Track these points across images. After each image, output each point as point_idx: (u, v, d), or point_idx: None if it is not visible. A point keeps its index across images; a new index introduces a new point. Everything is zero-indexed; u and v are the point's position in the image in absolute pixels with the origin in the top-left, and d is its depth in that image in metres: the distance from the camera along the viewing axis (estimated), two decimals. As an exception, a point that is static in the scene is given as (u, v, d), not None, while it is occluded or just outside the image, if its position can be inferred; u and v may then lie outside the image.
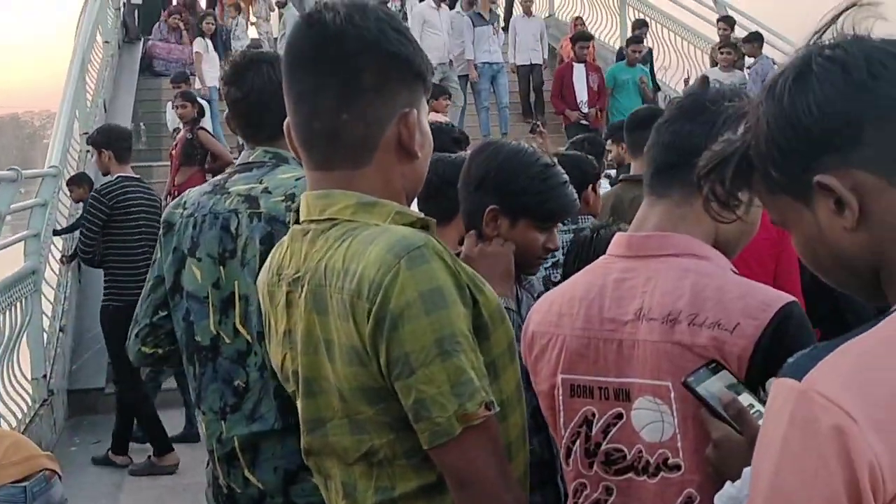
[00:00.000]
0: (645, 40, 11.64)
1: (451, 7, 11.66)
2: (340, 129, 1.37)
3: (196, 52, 12.17)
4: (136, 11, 14.87)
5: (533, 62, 12.26)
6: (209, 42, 12.28)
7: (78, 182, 7.00)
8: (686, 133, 1.55)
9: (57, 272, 7.37)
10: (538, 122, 7.87)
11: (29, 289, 6.50)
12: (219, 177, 2.42)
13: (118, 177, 5.83)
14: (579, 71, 10.59)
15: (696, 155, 1.54)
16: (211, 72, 11.63)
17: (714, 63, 11.26)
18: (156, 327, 2.37)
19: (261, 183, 2.25)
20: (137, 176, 6.14)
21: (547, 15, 16.03)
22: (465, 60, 11.19)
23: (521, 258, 2.14)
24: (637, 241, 1.58)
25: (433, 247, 1.31)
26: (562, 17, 15.77)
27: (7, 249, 6.31)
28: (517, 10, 12.88)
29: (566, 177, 2.17)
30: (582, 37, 10.68)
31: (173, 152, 8.79)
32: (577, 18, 13.44)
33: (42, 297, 6.59)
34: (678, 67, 13.01)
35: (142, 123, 12.04)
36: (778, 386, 0.91)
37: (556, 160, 2.20)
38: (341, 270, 1.32)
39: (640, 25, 12.14)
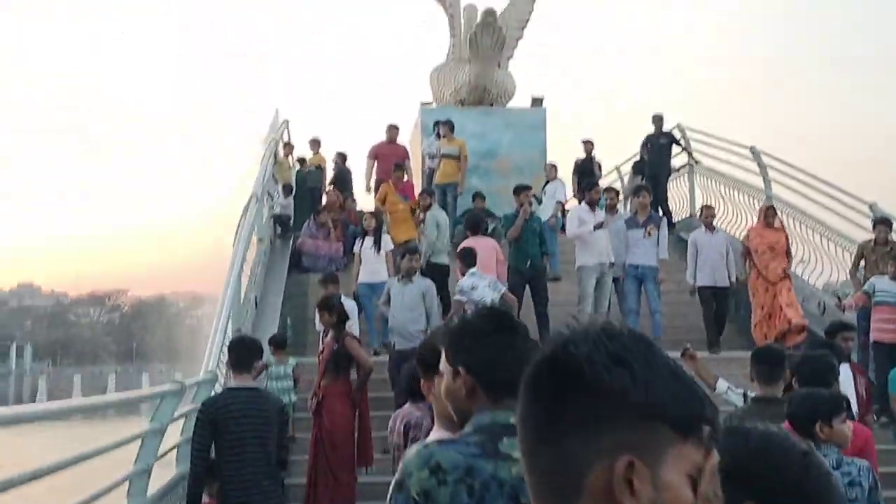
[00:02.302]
0: None
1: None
2: (536, 461, 1.25)
3: (355, 253, 12.18)
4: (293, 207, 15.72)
5: (718, 284, 11.42)
6: (365, 240, 12.43)
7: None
8: None
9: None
10: (689, 346, 7.49)
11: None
12: (467, 432, 2.25)
13: (225, 389, 5.91)
14: (846, 374, 7.41)
15: None
16: (365, 267, 11.84)
17: (858, 262, 11.06)
18: None
19: None
20: (251, 385, 6.09)
21: (688, 215, 16.08)
22: (622, 263, 11.15)
23: None
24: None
25: None
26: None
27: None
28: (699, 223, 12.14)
29: (827, 466, 1.97)
30: (844, 327, 7.89)
31: (320, 356, 8.92)
32: (770, 209, 11.74)
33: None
34: (817, 264, 12.69)
35: (289, 319, 12.33)
36: None
37: (812, 446, 2.02)
38: None
39: None
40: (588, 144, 16.39)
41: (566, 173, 16.24)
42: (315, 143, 17.54)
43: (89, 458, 4.12)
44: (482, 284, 10.16)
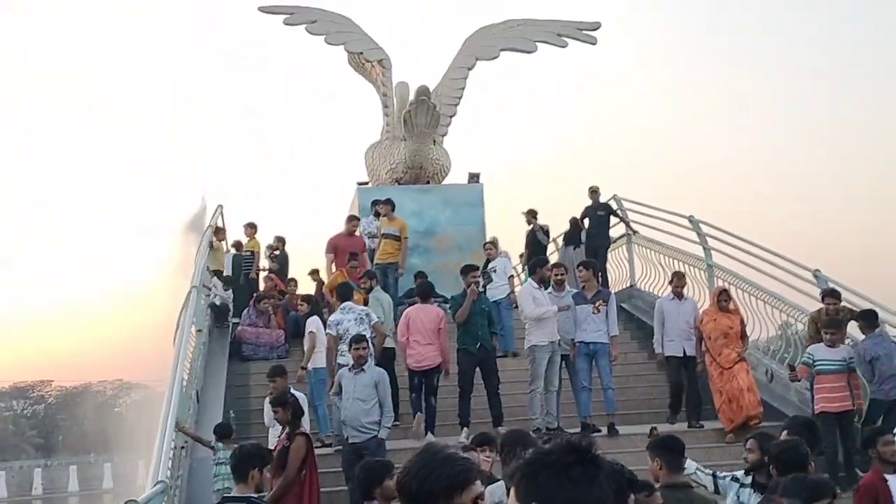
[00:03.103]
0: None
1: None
2: None
3: (329, 335, 11.20)
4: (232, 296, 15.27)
5: (687, 353, 11.26)
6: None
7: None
8: None
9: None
10: (655, 427, 7.47)
11: None
12: None
13: (222, 500, 6.21)
14: None
15: None
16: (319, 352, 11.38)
17: (814, 334, 10.94)
18: None
19: None
20: (246, 496, 5.92)
21: (629, 285, 16.15)
22: (570, 340, 11.02)
23: None
24: None
25: None
26: (643, 287, 15.84)
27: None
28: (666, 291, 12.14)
29: None
30: (881, 431, 6.93)
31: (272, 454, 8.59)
32: (723, 292, 11.49)
33: None
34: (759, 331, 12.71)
35: (231, 412, 11.92)
36: None
37: None
38: None
39: None
40: (528, 215, 16.41)
41: (509, 247, 16.32)
42: (251, 228, 17.22)
43: None
44: (347, 318, 10.80)
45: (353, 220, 14.86)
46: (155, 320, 16.22)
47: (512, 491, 2.06)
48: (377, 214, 15.04)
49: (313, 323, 11.67)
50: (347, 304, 11.10)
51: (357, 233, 15.47)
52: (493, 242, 15.44)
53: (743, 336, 11.18)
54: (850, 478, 9.52)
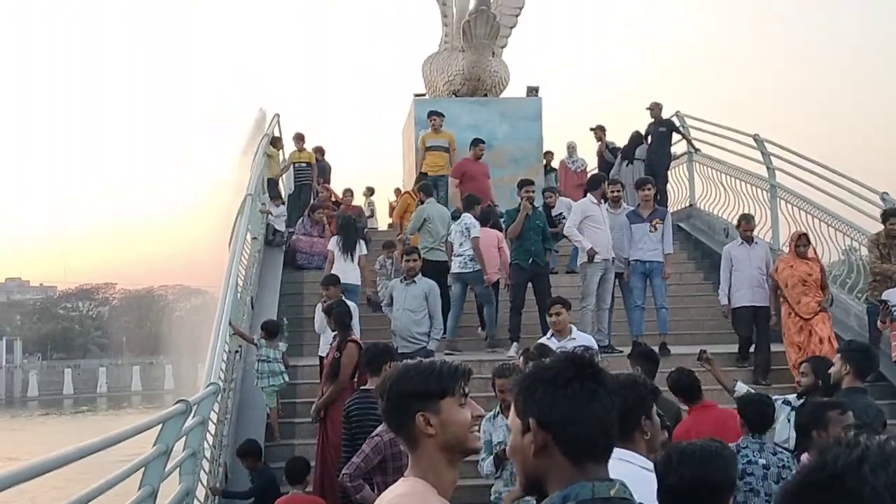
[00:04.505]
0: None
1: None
2: None
3: (329, 251, 11.75)
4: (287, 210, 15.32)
5: (757, 304, 10.36)
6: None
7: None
8: None
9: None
10: (704, 350, 7.36)
11: (182, 512, 6.26)
12: None
13: (359, 390, 7.05)
14: None
15: None
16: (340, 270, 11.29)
17: (876, 259, 10.44)
18: None
19: None
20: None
21: (688, 204, 15.88)
22: (624, 258, 10.90)
23: None
24: None
25: None
26: (703, 207, 15.55)
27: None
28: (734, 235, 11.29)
29: None
30: None
31: (324, 361, 8.74)
32: (802, 236, 10.46)
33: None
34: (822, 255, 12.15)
35: (285, 319, 12.05)
36: None
37: None
38: None
39: None
40: (597, 131, 16.45)
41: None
42: (300, 139, 17.16)
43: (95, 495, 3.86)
44: (457, 229, 11.14)
45: (478, 143, 13.92)
46: (215, 228, 16.37)
47: (512, 405, 2.02)
48: (435, 128, 14.88)
49: (332, 242, 11.87)
50: (465, 214, 11.25)
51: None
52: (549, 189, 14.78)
53: (823, 286, 10.14)
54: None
